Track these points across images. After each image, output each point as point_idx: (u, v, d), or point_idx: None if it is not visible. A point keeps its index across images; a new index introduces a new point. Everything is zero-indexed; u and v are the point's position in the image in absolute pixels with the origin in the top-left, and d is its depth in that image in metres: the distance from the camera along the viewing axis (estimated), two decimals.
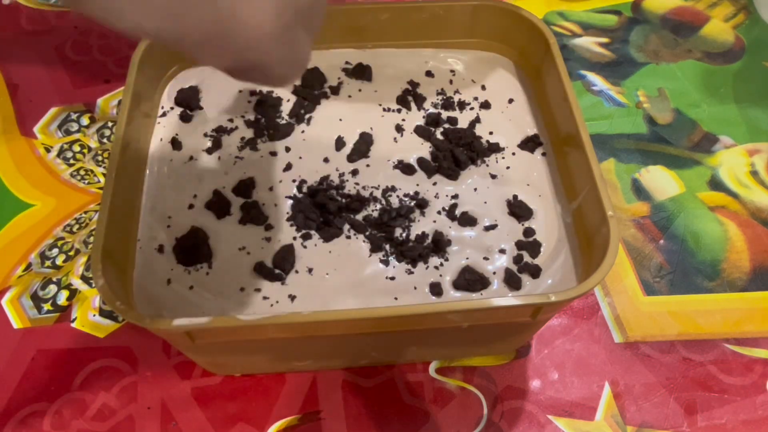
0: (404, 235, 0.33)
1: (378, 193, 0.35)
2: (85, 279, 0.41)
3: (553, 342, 0.40)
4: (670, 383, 0.38)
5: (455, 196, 0.35)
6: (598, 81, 0.54)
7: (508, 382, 0.38)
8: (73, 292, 0.40)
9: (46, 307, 0.40)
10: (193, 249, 0.32)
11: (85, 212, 0.44)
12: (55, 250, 0.42)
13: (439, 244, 0.33)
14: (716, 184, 0.47)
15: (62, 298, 0.40)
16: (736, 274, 0.43)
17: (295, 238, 0.33)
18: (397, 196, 0.35)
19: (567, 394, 0.38)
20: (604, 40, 0.57)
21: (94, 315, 0.40)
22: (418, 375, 0.38)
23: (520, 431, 0.36)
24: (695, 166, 0.48)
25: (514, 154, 0.37)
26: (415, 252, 0.32)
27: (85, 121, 0.49)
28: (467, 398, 0.37)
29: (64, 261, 0.42)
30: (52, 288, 0.41)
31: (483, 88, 0.40)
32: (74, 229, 0.43)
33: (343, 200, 0.34)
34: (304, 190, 0.35)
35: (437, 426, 0.36)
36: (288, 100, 0.39)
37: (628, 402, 0.37)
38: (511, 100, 0.40)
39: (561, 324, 0.40)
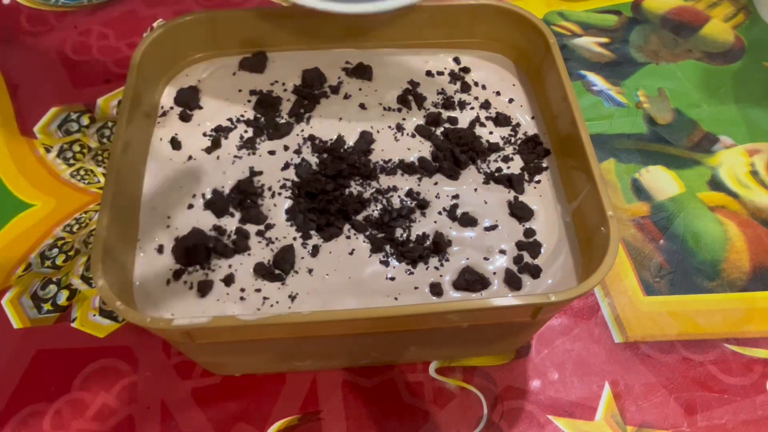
0: (405, 235, 0.33)
1: (379, 194, 0.35)
2: (85, 279, 0.41)
3: (553, 342, 0.40)
4: (670, 383, 0.38)
5: (456, 197, 0.35)
6: (598, 81, 0.54)
7: (508, 382, 0.38)
8: (73, 292, 0.40)
9: (46, 307, 0.40)
10: (193, 249, 0.32)
11: (85, 212, 0.44)
12: (55, 250, 0.42)
13: (440, 245, 0.33)
14: (716, 184, 0.47)
15: (62, 298, 0.40)
16: (736, 274, 0.43)
17: (295, 239, 0.33)
18: (398, 196, 0.35)
19: (567, 394, 0.38)
20: (604, 40, 0.57)
21: (94, 315, 0.40)
22: (418, 375, 0.38)
23: (520, 431, 0.36)
24: (695, 166, 0.48)
25: (514, 154, 0.37)
26: (415, 253, 0.32)
27: (85, 121, 0.49)
28: (467, 398, 0.37)
29: (64, 261, 0.42)
30: (52, 288, 0.41)
31: (483, 87, 0.40)
32: (74, 229, 0.43)
33: (343, 200, 0.34)
34: (304, 189, 0.35)
35: (437, 426, 0.36)
36: (288, 100, 0.39)
37: (628, 402, 0.37)
38: (511, 100, 0.40)
39: (561, 324, 0.40)
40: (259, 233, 0.33)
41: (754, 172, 0.48)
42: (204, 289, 0.31)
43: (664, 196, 0.47)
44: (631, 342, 0.40)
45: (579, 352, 0.39)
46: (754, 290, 0.42)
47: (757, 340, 0.40)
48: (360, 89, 0.40)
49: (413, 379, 0.38)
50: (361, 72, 0.40)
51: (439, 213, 0.34)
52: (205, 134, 0.37)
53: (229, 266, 0.32)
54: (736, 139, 0.50)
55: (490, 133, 0.38)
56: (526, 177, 0.36)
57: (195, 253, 0.32)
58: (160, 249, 0.33)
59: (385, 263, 0.32)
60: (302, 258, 0.32)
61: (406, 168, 0.36)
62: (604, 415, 0.37)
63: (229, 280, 0.32)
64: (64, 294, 0.40)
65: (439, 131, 0.38)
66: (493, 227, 0.34)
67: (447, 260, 0.33)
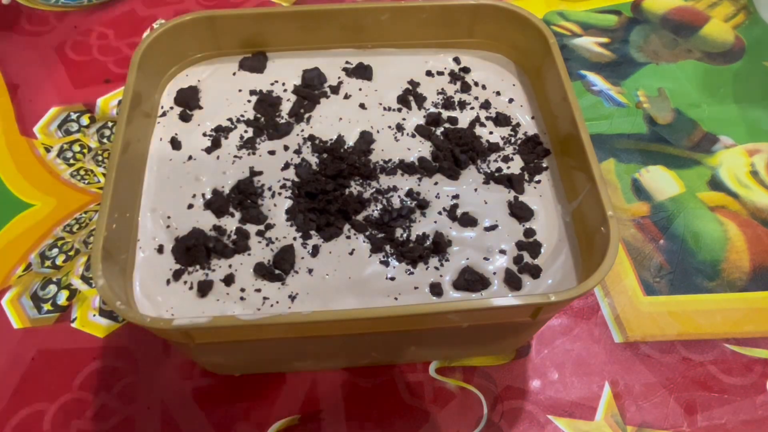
0: (405, 235, 0.33)
1: (379, 194, 0.35)
2: (85, 279, 0.41)
3: (553, 342, 0.40)
4: (670, 383, 0.38)
5: (456, 197, 0.35)
6: (598, 81, 0.54)
7: (508, 382, 0.38)
8: (73, 292, 0.40)
9: (46, 307, 0.40)
10: (193, 249, 0.32)
11: (85, 212, 0.44)
12: (55, 250, 0.42)
13: (440, 245, 0.33)
14: (716, 184, 0.47)
15: (62, 298, 0.40)
16: (736, 274, 0.43)
17: (295, 239, 0.33)
18: (398, 196, 0.35)
19: (567, 394, 0.38)
20: (604, 40, 0.57)
21: (94, 315, 0.40)
22: (418, 375, 0.38)
23: (520, 431, 0.36)
24: (695, 166, 0.48)
25: (514, 154, 0.37)
26: (415, 253, 0.32)
27: (85, 121, 0.49)
28: (467, 398, 0.37)
29: (64, 261, 0.42)
30: (52, 288, 0.41)
31: (483, 87, 0.40)
32: (74, 229, 0.43)
33: (343, 200, 0.34)
34: (304, 189, 0.35)
35: (437, 426, 0.36)
36: (288, 100, 0.39)
37: (628, 402, 0.37)
38: (511, 100, 0.40)
39: (561, 324, 0.40)
40: (259, 233, 0.33)
41: (754, 172, 0.48)
42: (204, 289, 0.31)
43: (664, 196, 0.47)
44: (631, 342, 0.40)
45: (579, 352, 0.39)
46: (754, 290, 0.42)
47: (757, 340, 0.40)
48: (360, 89, 0.40)
49: (413, 379, 0.38)
50: (361, 72, 0.40)
51: (439, 213, 0.34)
52: (205, 134, 0.37)
53: (229, 266, 0.32)
54: (736, 139, 0.50)
55: (490, 133, 0.38)
56: (526, 177, 0.36)
57: (195, 253, 0.32)
58: (160, 249, 0.33)
59: (385, 263, 0.32)
60: (302, 258, 0.32)
61: (406, 168, 0.36)
62: (604, 415, 0.37)
63: (229, 280, 0.32)
64: (64, 294, 0.40)
65: (439, 131, 0.38)
66: (493, 227, 0.34)
67: (447, 260, 0.33)
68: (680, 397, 0.38)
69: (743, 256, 0.44)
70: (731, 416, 0.37)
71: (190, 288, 0.32)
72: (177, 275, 0.32)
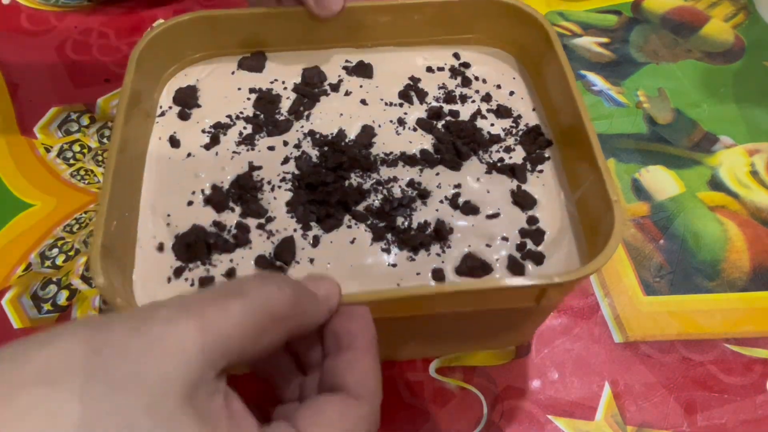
0: (406, 223, 0.33)
1: (379, 185, 0.35)
2: (85, 279, 0.41)
3: (553, 342, 0.39)
4: (670, 383, 0.38)
5: (458, 186, 0.35)
6: (598, 81, 0.54)
7: (508, 382, 0.38)
8: (73, 292, 0.40)
9: (46, 307, 0.40)
10: (193, 245, 0.32)
11: (85, 212, 0.44)
12: (55, 250, 0.42)
13: (441, 233, 0.32)
14: (716, 184, 0.47)
15: (62, 298, 0.40)
16: (736, 274, 0.43)
17: (295, 230, 0.33)
18: (399, 186, 0.35)
19: (567, 394, 0.38)
20: (604, 40, 0.57)
21: (95, 315, 0.40)
22: (418, 375, 0.38)
23: (520, 431, 0.36)
24: (695, 166, 0.48)
25: (515, 145, 0.37)
26: (416, 240, 0.32)
27: (85, 121, 0.49)
28: (467, 398, 0.37)
29: (64, 261, 0.42)
30: (52, 288, 0.41)
31: (484, 81, 0.40)
32: (74, 229, 0.43)
33: (343, 191, 0.34)
34: (304, 181, 0.35)
35: (437, 426, 0.36)
36: (287, 98, 0.39)
37: (628, 402, 0.37)
38: (511, 93, 0.40)
39: (561, 324, 0.40)
40: (260, 226, 0.33)
41: (754, 172, 0.48)
42: (205, 285, 0.31)
43: (664, 196, 0.47)
44: (631, 342, 0.40)
45: (579, 352, 0.39)
46: (754, 290, 0.42)
47: (757, 340, 0.40)
48: (361, 86, 0.40)
49: (413, 378, 0.38)
50: (362, 70, 0.40)
51: (441, 202, 0.34)
52: (203, 131, 0.37)
53: (231, 260, 0.32)
54: (736, 139, 0.50)
55: (492, 125, 0.38)
56: (529, 167, 0.36)
57: (195, 248, 0.32)
58: (161, 247, 0.33)
59: (387, 251, 0.32)
60: (303, 249, 0.32)
61: (408, 160, 0.36)
62: (604, 415, 0.37)
63: (230, 275, 0.32)
64: (64, 294, 0.40)
65: (440, 124, 0.38)
66: (495, 215, 0.34)
67: (449, 247, 0.32)
68: (680, 396, 0.38)
69: (743, 256, 0.44)
70: (731, 416, 0.37)
71: (192, 284, 0.32)
72: (178, 272, 0.32)
